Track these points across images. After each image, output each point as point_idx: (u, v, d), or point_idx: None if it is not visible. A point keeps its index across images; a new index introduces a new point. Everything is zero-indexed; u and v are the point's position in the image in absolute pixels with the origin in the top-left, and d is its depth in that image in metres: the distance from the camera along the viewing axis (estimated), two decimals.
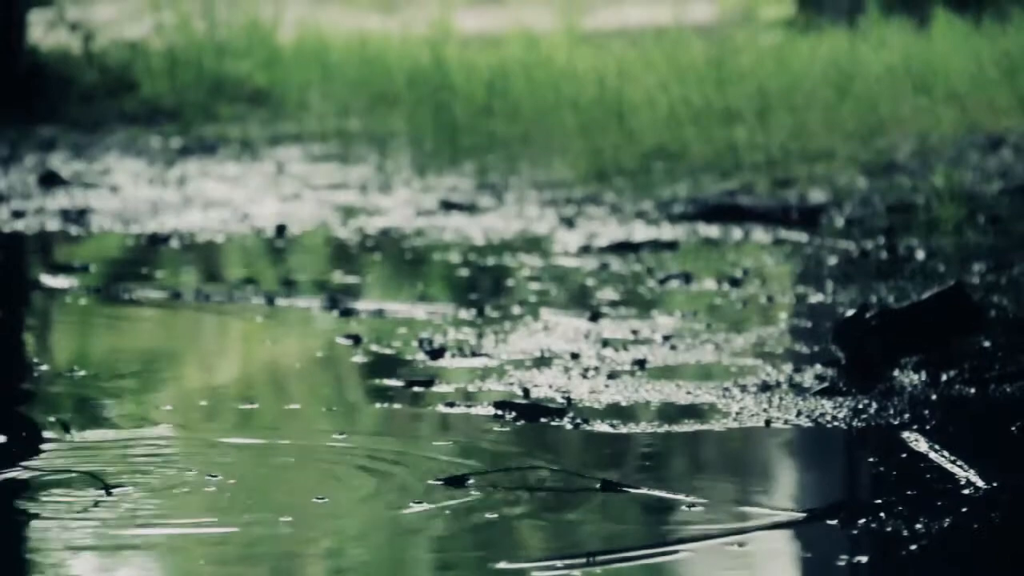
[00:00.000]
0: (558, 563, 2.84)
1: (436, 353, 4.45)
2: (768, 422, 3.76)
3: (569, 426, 3.74)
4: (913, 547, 2.91)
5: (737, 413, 3.83)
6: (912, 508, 3.10)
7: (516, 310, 5.07)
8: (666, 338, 4.63)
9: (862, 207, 7.05)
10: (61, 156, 8.99)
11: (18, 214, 7.12)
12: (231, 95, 10.98)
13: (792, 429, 3.71)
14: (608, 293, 5.36)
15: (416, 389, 4.09)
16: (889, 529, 3.00)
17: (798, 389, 4.05)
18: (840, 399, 3.94)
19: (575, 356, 4.42)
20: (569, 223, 6.77)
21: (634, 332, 4.72)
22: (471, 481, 3.28)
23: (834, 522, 3.04)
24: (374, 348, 4.56)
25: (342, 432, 3.74)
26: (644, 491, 3.22)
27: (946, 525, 3.02)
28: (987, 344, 4.46)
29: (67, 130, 10.00)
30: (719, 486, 3.29)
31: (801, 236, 6.47)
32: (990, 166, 8.09)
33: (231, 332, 4.98)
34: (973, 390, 4.03)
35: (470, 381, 4.16)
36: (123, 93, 11.01)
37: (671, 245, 6.28)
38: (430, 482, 3.29)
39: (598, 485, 3.25)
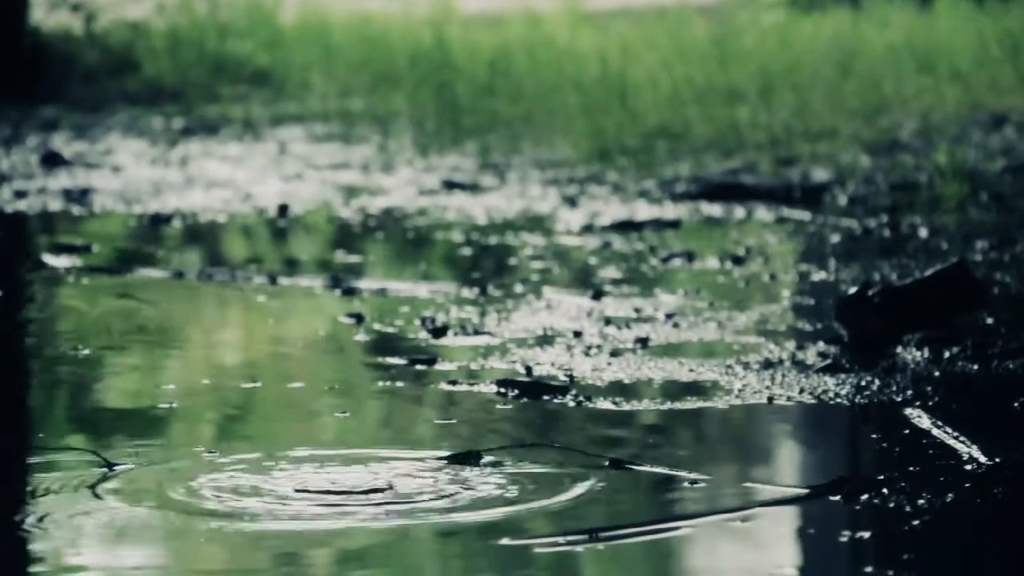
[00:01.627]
0: (560, 539, 2.84)
1: (439, 332, 4.45)
2: (771, 399, 3.76)
3: (572, 404, 3.74)
4: (916, 522, 2.92)
5: (740, 390, 3.83)
6: (915, 484, 3.10)
7: (518, 289, 5.07)
8: (669, 316, 4.63)
9: (865, 185, 7.04)
10: (63, 136, 8.99)
11: (20, 194, 7.12)
12: (233, 75, 10.97)
13: (795, 406, 3.72)
14: (610, 271, 5.36)
15: (419, 367, 4.09)
16: (892, 505, 3.00)
17: (801, 366, 4.05)
18: (843, 376, 3.94)
19: (578, 334, 4.42)
20: (571, 202, 6.77)
21: (637, 310, 4.72)
22: (473, 459, 3.28)
23: (837, 498, 3.04)
24: (377, 327, 4.56)
25: (344, 411, 3.74)
26: (647, 468, 3.22)
27: (948, 501, 3.02)
28: (990, 321, 4.46)
29: (69, 110, 10.00)
30: (722, 463, 3.29)
31: (804, 214, 6.47)
32: (993, 144, 8.08)
33: (234, 311, 4.98)
34: (976, 367, 4.03)
35: (473, 359, 4.16)
36: (125, 73, 11.00)
37: (674, 224, 6.28)
38: (433, 460, 3.29)
39: (607, 463, 3.25)
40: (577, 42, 10.53)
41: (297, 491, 3.09)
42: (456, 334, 4.44)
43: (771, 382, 3.90)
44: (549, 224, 6.31)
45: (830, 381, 3.90)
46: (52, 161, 7.98)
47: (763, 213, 6.52)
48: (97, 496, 3.07)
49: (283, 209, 6.71)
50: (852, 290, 4.38)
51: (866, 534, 2.87)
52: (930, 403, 3.70)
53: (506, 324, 4.55)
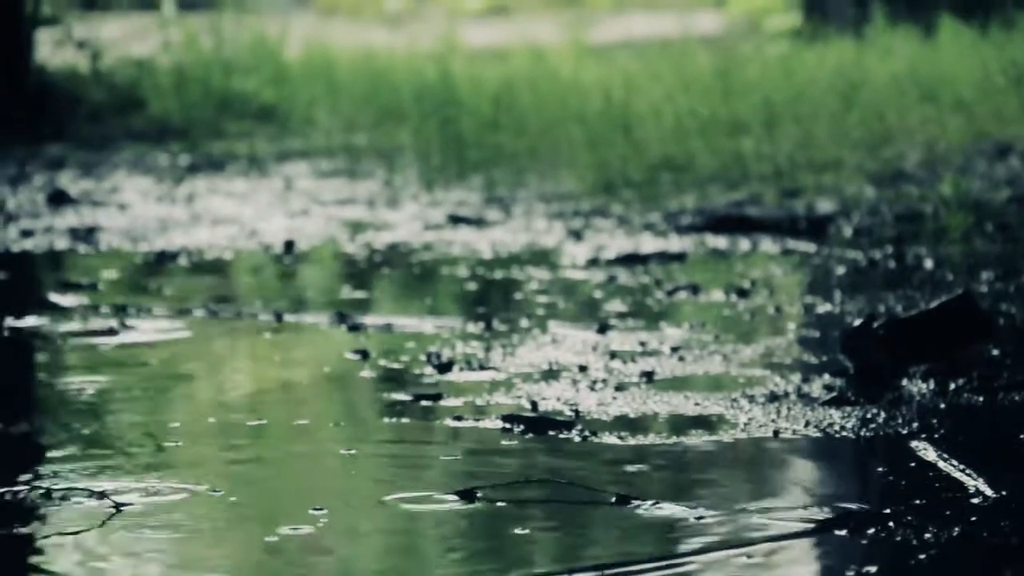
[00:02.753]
0: None
1: (444, 367, 4.45)
2: (776, 432, 3.76)
3: (577, 439, 3.74)
4: (922, 556, 2.91)
5: (745, 424, 3.83)
6: (921, 517, 3.09)
7: (524, 323, 5.07)
8: (674, 349, 4.63)
9: (870, 216, 7.05)
10: (69, 175, 9.01)
11: (27, 233, 7.13)
12: (239, 112, 11.00)
13: (801, 439, 3.71)
14: (616, 305, 5.36)
15: (424, 403, 4.10)
16: (898, 539, 2.99)
17: (806, 399, 4.04)
18: (848, 409, 3.94)
19: (583, 368, 4.42)
20: (577, 236, 6.77)
21: (642, 344, 4.72)
22: (480, 494, 3.28)
23: (843, 532, 3.04)
24: (382, 363, 4.56)
25: (350, 448, 3.74)
26: (652, 503, 3.22)
27: (955, 534, 3.01)
28: (996, 352, 4.45)
29: (75, 148, 10.02)
30: (728, 497, 3.29)
31: (809, 246, 6.47)
32: (998, 174, 8.09)
33: (239, 348, 4.99)
34: (982, 398, 4.03)
35: (478, 395, 4.16)
36: (131, 111, 11.04)
37: (679, 256, 6.28)
38: (439, 495, 3.29)
39: (612, 498, 3.25)
40: (581, 75, 10.56)
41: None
42: (462, 369, 4.44)
43: (777, 415, 3.90)
44: (554, 258, 6.32)
45: (836, 414, 3.90)
46: (58, 200, 8.00)
47: (768, 245, 6.52)
48: (103, 535, 3.07)
49: (289, 245, 6.72)
50: (857, 322, 4.38)
51: (872, 568, 2.86)
52: (936, 435, 3.69)
53: (511, 359, 4.55)
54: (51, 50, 11.66)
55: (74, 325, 5.25)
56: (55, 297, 5.67)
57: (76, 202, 7.99)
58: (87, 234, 7.09)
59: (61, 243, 6.92)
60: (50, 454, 3.72)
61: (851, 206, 7.27)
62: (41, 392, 4.43)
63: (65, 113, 10.85)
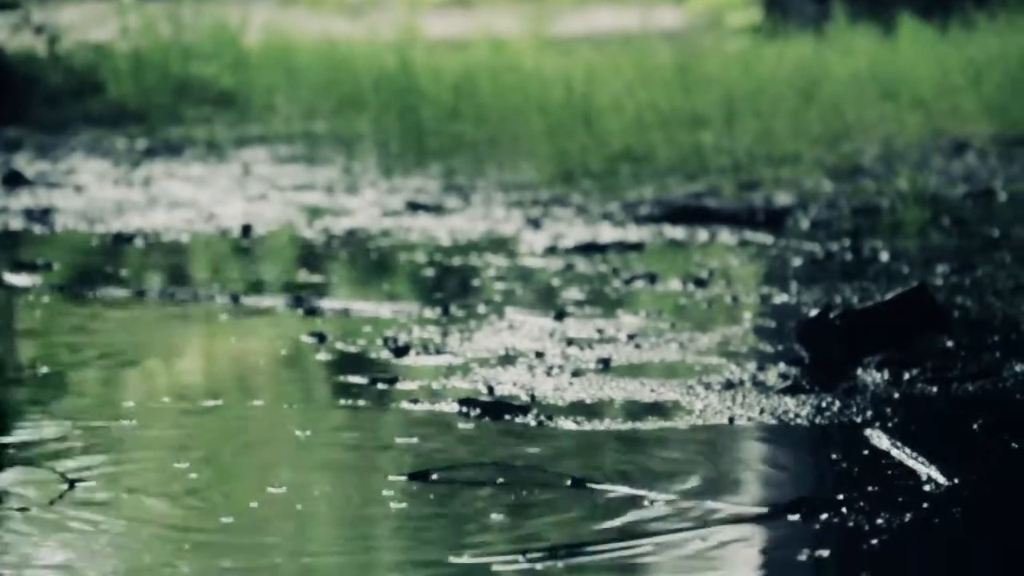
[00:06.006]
0: (520, 557, 2.84)
1: (401, 351, 4.45)
2: (732, 420, 3.77)
3: (533, 423, 3.75)
4: (874, 542, 2.93)
5: (701, 411, 3.84)
6: (873, 504, 3.11)
7: (481, 309, 5.07)
8: (631, 337, 4.64)
9: (827, 210, 7.07)
10: (26, 156, 8.96)
11: None
12: (197, 97, 10.96)
13: (756, 426, 3.73)
14: (574, 293, 5.37)
15: (380, 386, 4.09)
16: (851, 524, 3.01)
17: (762, 387, 4.06)
18: (803, 397, 3.96)
19: (540, 355, 4.42)
20: (535, 224, 6.77)
21: (599, 331, 4.72)
22: (435, 477, 3.28)
23: (796, 517, 3.05)
24: (339, 346, 4.55)
25: (305, 429, 3.73)
26: (607, 487, 3.23)
27: (907, 521, 3.03)
28: (950, 344, 4.48)
29: (32, 131, 9.97)
30: (682, 482, 3.30)
31: (766, 238, 6.49)
32: (954, 170, 8.13)
33: (195, 331, 4.97)
34: (935, 389, 4.05)
35: (435, 379, 4.16)
36: (89, 95, 10.98)
37: (637, 246, 6.29)
38: (393, 478, 3.29)
39: (567, 482, 3.25)
40: (542, 66, 10.56)
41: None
42: (418, 353, 4.44)
43: (732, 403, 3.91)
44: (513, 246, 6.32)
45: (791, 402, 3.91)
46: (14, 181, 7.96)
47: (726, 236, 6.53)
48: (56, 512, 3.05)
49: (247, 229, 6.70)
50: (813, 313, 4.39)
51: (825, 553, 2.88)
52: (890, 424, 3.71)
53: (468, 344, 4.55)
54: (9, 34, 11.58)
55: (29, 304, 5.22)
56: (9, 277, 5.64)
57: (32, 183, 7.95)
58: (43, 215, 7.05)
59: (16, 223, 6.88)
60: (3, 433, 3.69)
61: (809, 199, 7.30)
62: None
63: (22, 96, 10.79)
